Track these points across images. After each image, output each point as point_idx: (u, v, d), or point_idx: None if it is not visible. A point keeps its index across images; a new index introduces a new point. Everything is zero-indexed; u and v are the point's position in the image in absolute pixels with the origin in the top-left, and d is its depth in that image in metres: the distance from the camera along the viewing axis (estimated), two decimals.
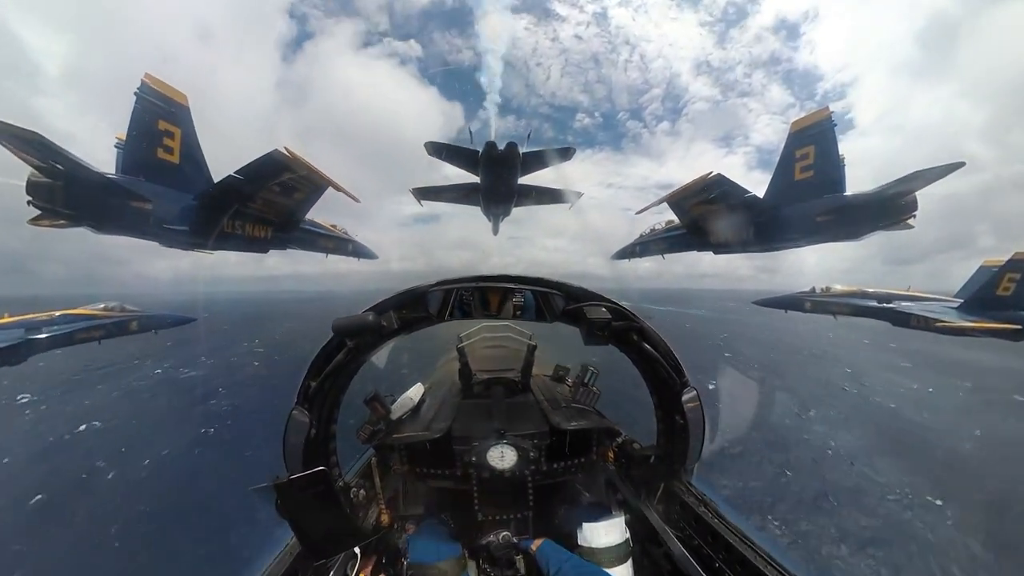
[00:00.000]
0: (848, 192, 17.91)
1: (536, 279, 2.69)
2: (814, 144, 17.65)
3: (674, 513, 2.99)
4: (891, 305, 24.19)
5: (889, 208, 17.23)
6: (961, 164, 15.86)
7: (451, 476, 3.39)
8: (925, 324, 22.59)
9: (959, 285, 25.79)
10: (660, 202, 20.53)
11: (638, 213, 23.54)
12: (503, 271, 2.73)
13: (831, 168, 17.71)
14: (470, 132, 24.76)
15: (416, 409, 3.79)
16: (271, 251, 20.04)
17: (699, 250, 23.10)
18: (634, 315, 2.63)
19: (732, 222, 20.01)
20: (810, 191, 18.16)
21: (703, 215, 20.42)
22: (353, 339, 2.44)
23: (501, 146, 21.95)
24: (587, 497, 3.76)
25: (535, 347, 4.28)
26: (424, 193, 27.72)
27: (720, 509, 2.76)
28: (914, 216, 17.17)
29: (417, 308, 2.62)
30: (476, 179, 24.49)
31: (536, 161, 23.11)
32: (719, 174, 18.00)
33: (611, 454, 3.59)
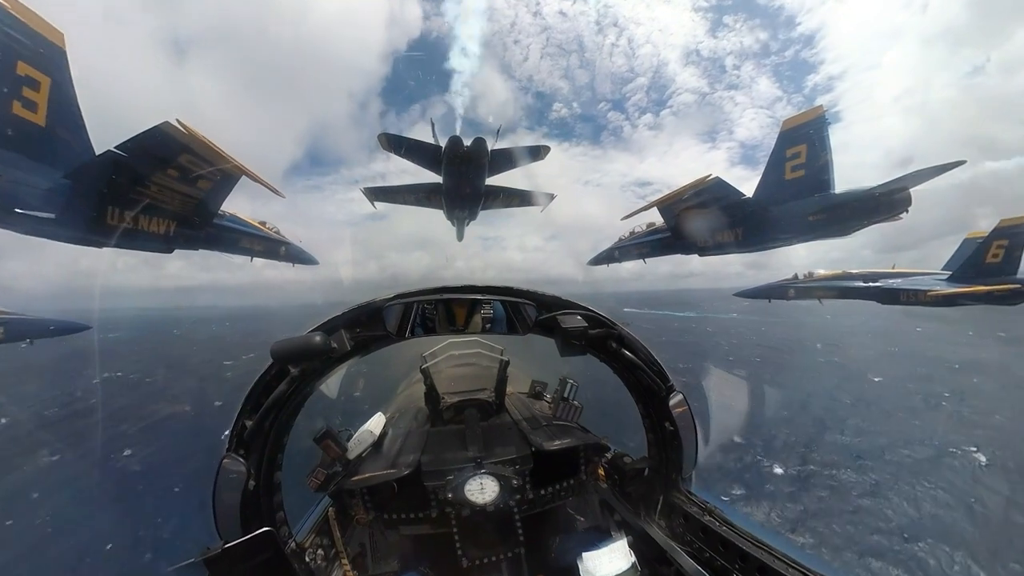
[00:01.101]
0: (837, 190, 17.32)
1: (505, 288, 2.56)
2: (806, 143, 17.13)
3: (679, 527, 2.74)
4: (878, 284, 24.08)
5: (883, 204, 16.86)
6: (962, 162, 15.64)
7: (426, 519, 3.13)
8: (915, 298, 22.59)
9: (943, 266, 25.89)
10: (651, 206, 19.58)
11: (624, 218, 22.04)
12: (469, 280, 2.59)
13: (822, 166, 17.17)
14: (432, 125, 22.03)
15: (378, 444, 3.45)
16: (177, 251, 16.15)
17: (684, 253, 22.02)
18: (611, 321, 2.56)
19: (722, 224, 19.30)
20: (801, 190, 17.61)
21: (692, 218, 19.57)
22: (297, 365, 2.16)
23: (467, 141, 19.80)
24: (582, 522, 3.54)
25: (508, 363, 4.08)
26: (377, 193, 24.92)
27: (727, 515, 2.53)
28: (907, 211, 16.78)
29: (373, 325, 2.43)
30: (438, 178, 22.09)
31: (506, 160, 21.02)
32: (718, 178, 17.33)
33: (602, 471, 3.43)
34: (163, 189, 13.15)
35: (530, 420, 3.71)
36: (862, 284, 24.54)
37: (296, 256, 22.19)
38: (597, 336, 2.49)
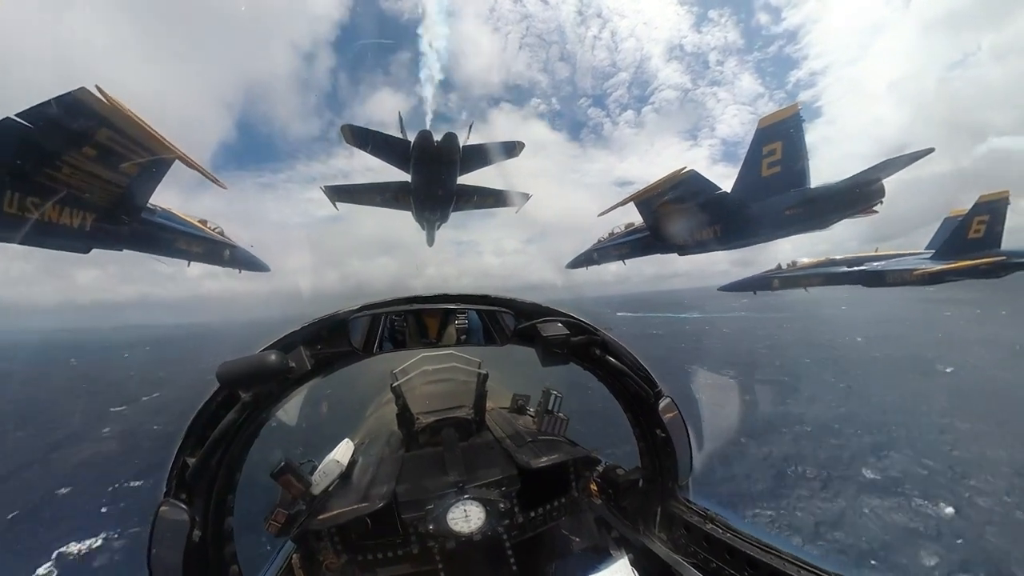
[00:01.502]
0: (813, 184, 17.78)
1: (481, 296, 2.44)
2: (782, 140, 17.52)
3: (681, 538, 2.64)
4: (862, 267, 24.44)
5: (858, 197, 17.33)
6: (930, 150, 16.14)
7: (406, 556, 2.87)
8: (901, 278, 23.05)
9: (925, 246, 26.30)
10: (626, 201, 19.23)
11: (601, 215, 21.56)
12: (442, 288, 2.47)
13: (798, 162, 17.59)
14: (400, 119, 20.97)
15: (346, 476, 3.14)
16: (96, 250, 13.88)
17: (663, 252, 21.74)
18: (593, 327, 2.48)
19: (700, 221, 19.32)
20: (777, 186, 17.96)
21: (670, 214, 19.32)
22: (249, 389, 1.91)
23: (438, 136, 18.89)
24: (578, 543, 3.33)
25: (486, 376, 3.89)
26: (339, 193, 23.31)
27: (729, 521, 2.48)
28: (881, 202, 17.20)
29: (336, 341, 2.24)
30: (407, 177, 20.97)
31: (478, 156, 20.21)
32: (692, 170, 17.43)
33: (594, 486, 3.29)
34: (78, 172, 11.27)
35: (514, 437, 3.53)
36: (846, 269, 24.97)
37: (244, 261, 19.79)
38: (580, 343, 2.41)
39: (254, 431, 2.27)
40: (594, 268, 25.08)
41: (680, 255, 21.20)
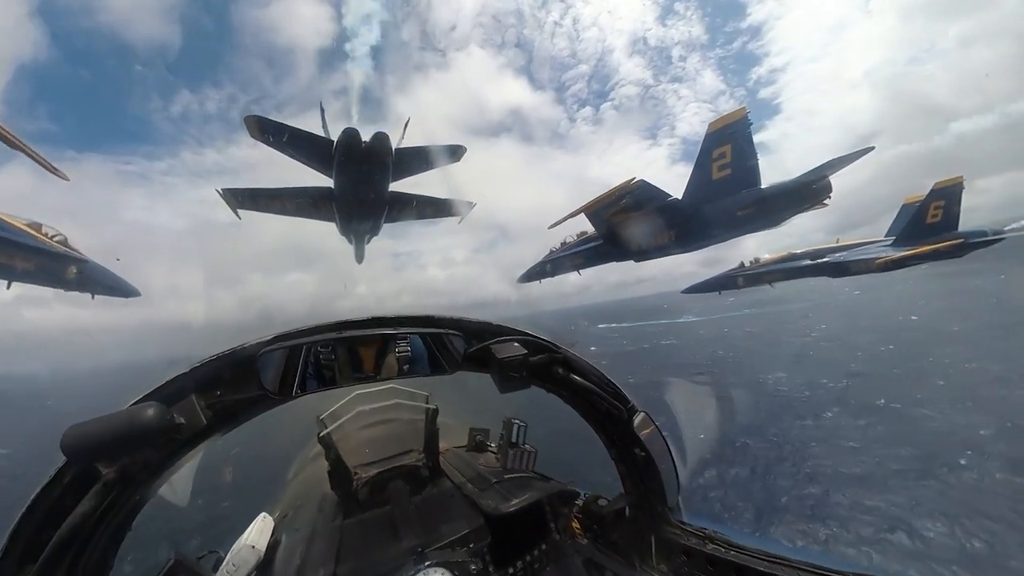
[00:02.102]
0: (764, 184, 18.26)
1: (424, 318, 2.15)
2: (731, 143, 17.85)
3: (682, 566, 2.42)
4: (825, 259, 24.95)
5: (806, 194, 17.83)
6: (871, 149, 16.94)
7: None
8: (865, 266, 23.67)
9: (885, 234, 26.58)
10: (576, 213, 19.03)
11: (551, 227, 21.21)
12: (377, 310, 2.10)
13: (748, 164, 17.97)
14: (322, 112, 18.57)
15: (266, 564, 2.44)
16: None
17: (618, 260, 21.95)
18: (554, 344, 2.30)
19: (654, 227, 19.60)
20: (728, 188, 18.36)
21: (622, 223, 19.46)
22: (115, 461, 1.48)
23: (367, 136, 16.41)
24: None
25: (436, 411, 3.48)
26: (242, 197, 19.04)
27: (730, 538, 2.31)
28: (829, 197, 17.78)
29: (242, 384, 1.78)
30: (329, 181, 18.34)
31: (415, 160, 18.52)
32: (642, 180, 17.61)
33: (576, 524, 2.96)
34: None
35: (476, 480, 3.17)
36: (809, 262, 25.49)
37: (101, 282, 14.97)
38: (540, 363, 2.21)
39: (124, 521, 1.71)
40: (553, 281, 24.50)
41: (637, 262, 21.34)
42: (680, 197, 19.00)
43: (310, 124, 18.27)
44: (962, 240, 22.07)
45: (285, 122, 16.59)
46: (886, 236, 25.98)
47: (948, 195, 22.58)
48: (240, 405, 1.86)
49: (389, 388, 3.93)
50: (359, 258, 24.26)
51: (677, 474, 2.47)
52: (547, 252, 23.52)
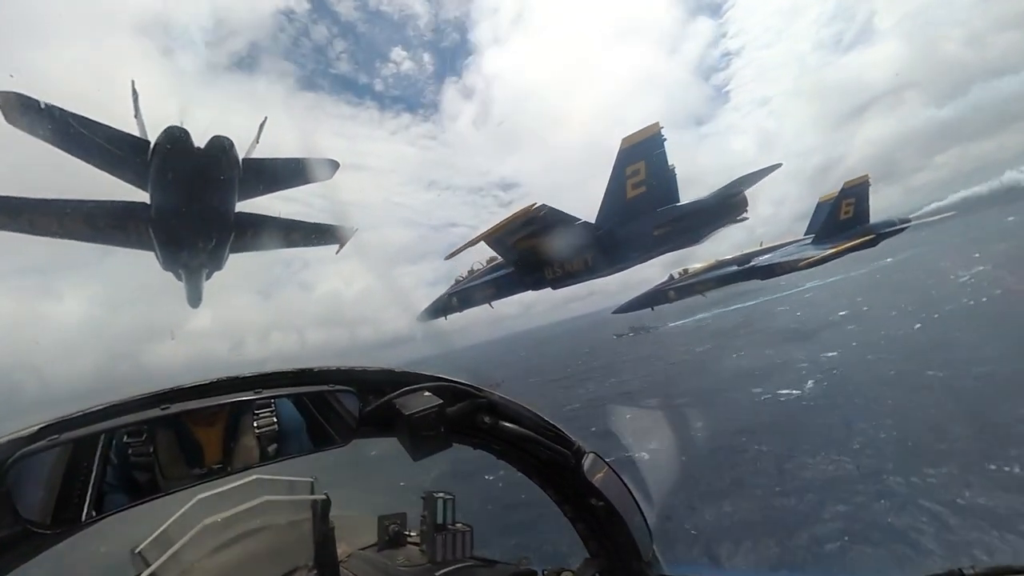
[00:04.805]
0: (682, 201, 17.79)
1: (297, 373, 1.42)
2: (645, 159, 17.22)
3: None
4: (751, 264, 25.66)
5: (723, 210, 17.66)
6: (778, 165, 16.99)
7: None
8: (791, 267, 24.70)
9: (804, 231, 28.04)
10: (475, 242, 17.17)
11: (447, 258, 18.92)
12: (225, 367, 1.37)
13: (664, 180, 17.48)
14: (135, 97, 13.58)
15: None
16: None
17: (534, 288, 20.03)
18: (475, 388, 1.80)
19: (567, 252, 18.14)
20: (644, 206, 17.74)
21: (530, 251, 17.86)
22: None
23: (201, 141, 12.57)
24: None
25: (328, 502, 2.65)
26: (2, 210, 13.30)
27: None
28: (746, 212, 17.79)
29: None
30: (143, 194, 14.14)
31: (272, 174, 14.78)
32: (544, 204, 16.30)
33: None
34: None
35: None
36: (737, 268, 25.96)
37: None
38: (460, 414, 1.61)
39: None
40: (475, 311, 21.43)
41: (554, 289, 19.72)
42: (591, 221, 17.81)
43: (118, 114, 13.46)
44: (874, 235, 23.83)
45: (67, 107, 11.56)
46: (805, 235, 27.12)
47: (857, 193, 24.36)
48: None
49: (251, 481, 3.09)
50: (193, 300, 18.93)
51: (645, 519, 1.96)
52: (451, 283, 20.76)
